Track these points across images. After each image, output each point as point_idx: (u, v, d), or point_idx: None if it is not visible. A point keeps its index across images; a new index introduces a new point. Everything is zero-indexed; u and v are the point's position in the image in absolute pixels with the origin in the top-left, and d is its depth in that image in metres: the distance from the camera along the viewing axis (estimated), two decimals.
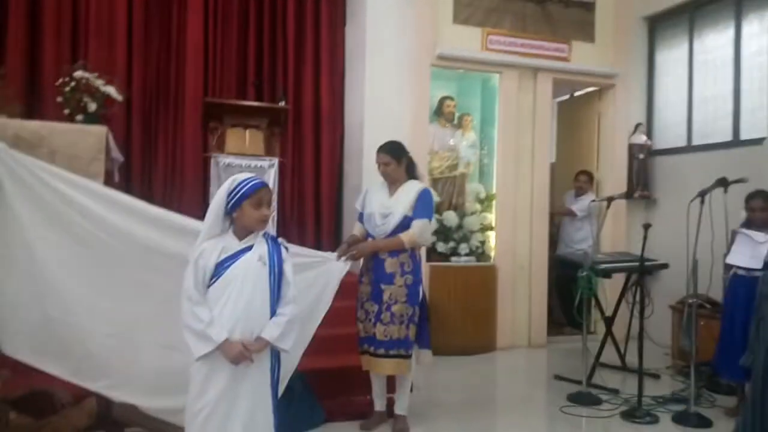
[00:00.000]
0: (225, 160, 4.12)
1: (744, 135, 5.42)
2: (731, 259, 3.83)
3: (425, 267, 5.48)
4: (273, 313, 2.29)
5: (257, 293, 2.25)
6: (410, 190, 3.49)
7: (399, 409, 3.56)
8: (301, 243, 3.79)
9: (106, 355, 2.80)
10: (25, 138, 3.66)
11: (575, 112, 6.86)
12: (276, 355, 2.33)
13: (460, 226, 5.81)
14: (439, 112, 6.00)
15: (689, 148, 5.96)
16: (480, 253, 5.85)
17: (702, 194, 3.72)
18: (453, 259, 5.70)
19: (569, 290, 4.64)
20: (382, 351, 3.38)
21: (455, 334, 5.46)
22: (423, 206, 3.46)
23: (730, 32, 5.62)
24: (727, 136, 5.57)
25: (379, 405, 3.65)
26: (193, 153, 4.88)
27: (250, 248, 2.29)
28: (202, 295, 2.24)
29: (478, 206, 5.97)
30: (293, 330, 2.31)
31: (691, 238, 3.79)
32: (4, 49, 4.67)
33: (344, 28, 5.72)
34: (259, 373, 2.27)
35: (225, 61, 5.18)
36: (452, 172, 5.96)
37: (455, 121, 6.07)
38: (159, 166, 5.05)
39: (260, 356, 2.25)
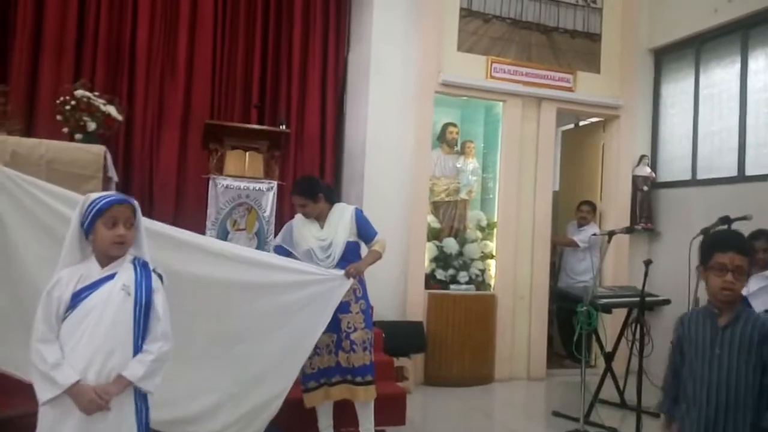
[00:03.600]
0: (223, 182, 4.10)
1: (749, 171, 5.37)
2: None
3: (424, 294, 5.44)
4: (137, 351, 2.00)
5: (118, 327, 1.96)
6: (342, 215, 3.46)
7: None
8: None
9: None
10: (23, 155, 3.66)
11: (579, 141, 6.83)
12: (142, 398, 2.03)
13: (460, 254, 5.74)
14: (442, 138, 5.98)
15: (693, 182, 5.91)
16: (480, 282, 5.77)
17: (705, 232, 3.64)
18: (452, 287, 5.62)
19: (570, 323, 4.56)
20: (349, 377, 3.35)
21: (453, 364, 5.37)
22: (368, 226, 3.48)
23: (737, 67, 5.60)
24: (732, 171, 5.51)
25: None
26: (196, 174, 4.87)
27: (113, 276, 2.01)
28: (52, 331, 1.94)
29: (479, 234, 5.91)
30: (160, 370, 2.04)
31: (693, 276, 3.71)
32: (8, 67, 4.70)
33: (348, 54, 5.73)
34: (117, 420, 1.96)
35: (230, 83, 5.20)
36: (453, 197, 5.93)
37: (458, 148, 6.05)
38: (160, 187, 5.04)
39: (120, 399, 1.96)
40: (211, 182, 4.14)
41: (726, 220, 3.80)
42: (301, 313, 3.16)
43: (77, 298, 1.95)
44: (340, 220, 3.45)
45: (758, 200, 4.84)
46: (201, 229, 4.20)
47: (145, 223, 2.26)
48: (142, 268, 2.07)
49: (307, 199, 3.43)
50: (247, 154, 4.20)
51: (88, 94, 4.07)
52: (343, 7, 5.66)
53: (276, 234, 4.01)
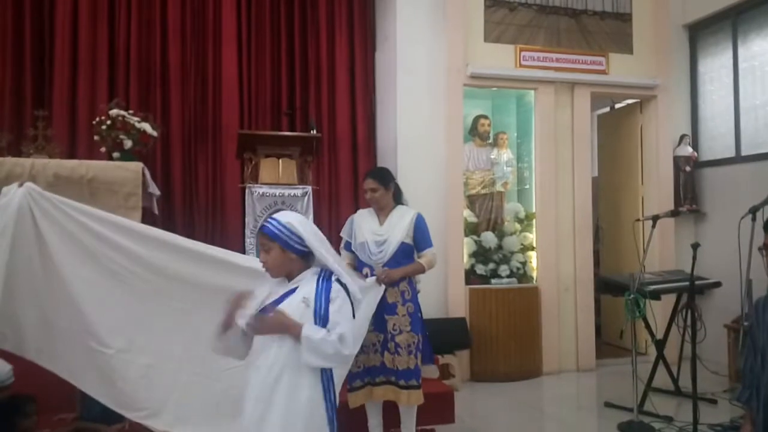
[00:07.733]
0: (259, 190, 4.20)
1: None
2: None
3: (465, 290, 5.39)
4: None
5: None
6: (403, 216, 3.45)
7: None
8: None
9: (145, 385, 2.86)
10: (65, 176, 3.78)
11: (617, 124, 6.67)
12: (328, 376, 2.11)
13: (499, 247, 5.67)
14: (474, 132, 5.91)
15: (738, 159, 5.69)
16: (521, 275, 5.69)
17: (753, 211, 3.50)
18: (493, 281, 5.55)
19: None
20: (393, 379, 3.33)
21: (498, 359, 5.31)
22: (424, 235, 3.45)
23: None
24: None
25: None
26: (232, 184, 4.96)
27: (294, 290, 2.11)
28: None
29: (517, 226, 5.83)
30: (325, 355, 2.00)
31: (744, 258, 3.58)
32: (51, 95, 4.86)
33: (375, 54, 5.73)
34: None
35: (259, 92, 5.26)
36: (489, 190, 5.85)
37: (490, 140, 5.97)
38: (200, 198, 5.14)
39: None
40: (247, 191, 4.23)
41: None
42: None
43: (264, 312, 2.04)
44: (400, 221, 3.46)
45: None
46: (239, 238, 4.26)
47: (154, 233, 2.73)
48: (325, 280, 2.12)
49: (380, 184, 3.45)
50: (281, 161, 4.27)
51: (122, 112, 4.18)
52: (368, 7, 5.66)
53: None
